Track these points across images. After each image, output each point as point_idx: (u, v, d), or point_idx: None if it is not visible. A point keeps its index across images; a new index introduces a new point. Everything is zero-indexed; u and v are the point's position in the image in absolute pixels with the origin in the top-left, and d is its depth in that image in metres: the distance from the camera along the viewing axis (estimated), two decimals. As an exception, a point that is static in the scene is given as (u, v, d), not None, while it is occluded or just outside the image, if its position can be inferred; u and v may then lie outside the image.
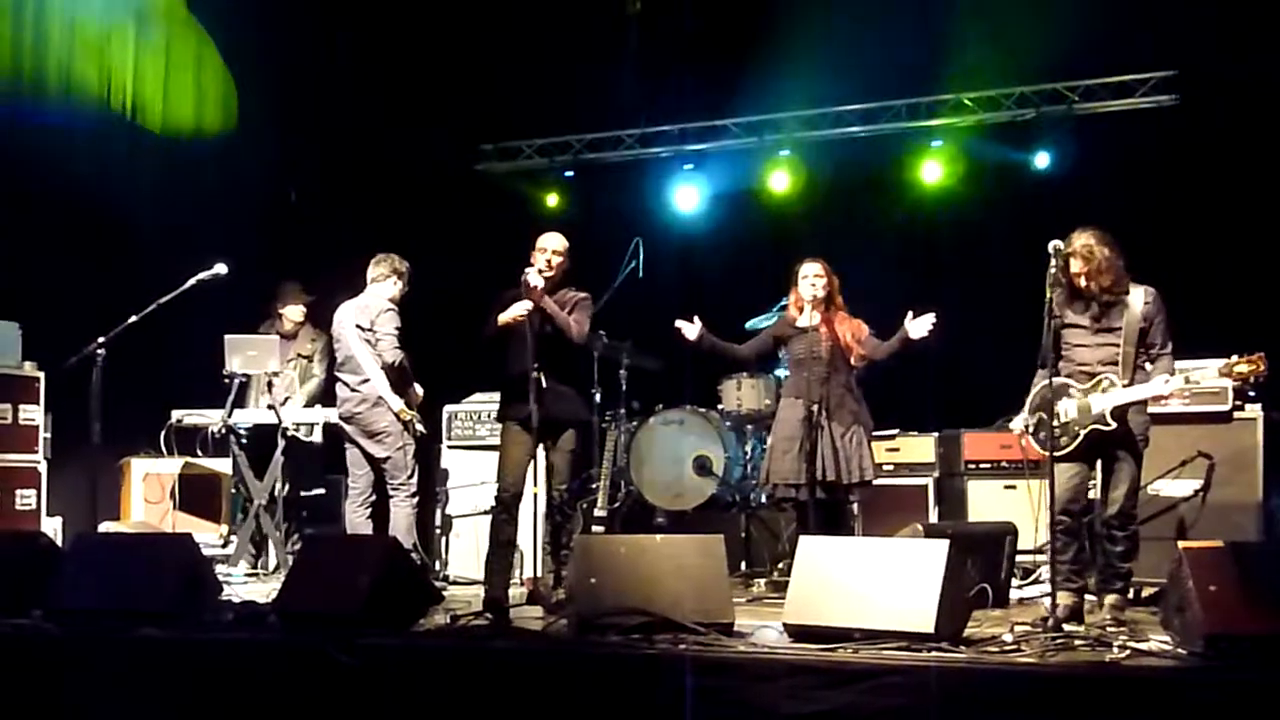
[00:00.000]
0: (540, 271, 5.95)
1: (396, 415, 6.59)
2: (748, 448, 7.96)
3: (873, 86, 9.66)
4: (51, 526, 7.38)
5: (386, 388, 6.60)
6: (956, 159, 9.60)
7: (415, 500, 6.66)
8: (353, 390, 6.68)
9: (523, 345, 5.85)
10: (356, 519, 6.69)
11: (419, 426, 6.72)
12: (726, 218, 10.18)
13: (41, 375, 7.42)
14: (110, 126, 8.81)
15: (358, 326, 6.70)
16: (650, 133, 10.44)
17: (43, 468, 7.40)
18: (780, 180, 9.96)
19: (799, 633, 4.56)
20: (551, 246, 6.06)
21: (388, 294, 6.81)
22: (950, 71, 9.42)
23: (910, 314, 6.14)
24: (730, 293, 8.83)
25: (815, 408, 6.26)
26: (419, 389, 6.87)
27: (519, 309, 5.87)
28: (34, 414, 7.40)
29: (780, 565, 6.96)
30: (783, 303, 6.80)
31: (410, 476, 6.63)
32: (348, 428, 6.73)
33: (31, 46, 8.31)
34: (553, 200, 10.75)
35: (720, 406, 8.08)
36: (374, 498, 6.73)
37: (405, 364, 6.66)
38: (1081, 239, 5.32)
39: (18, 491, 7.25)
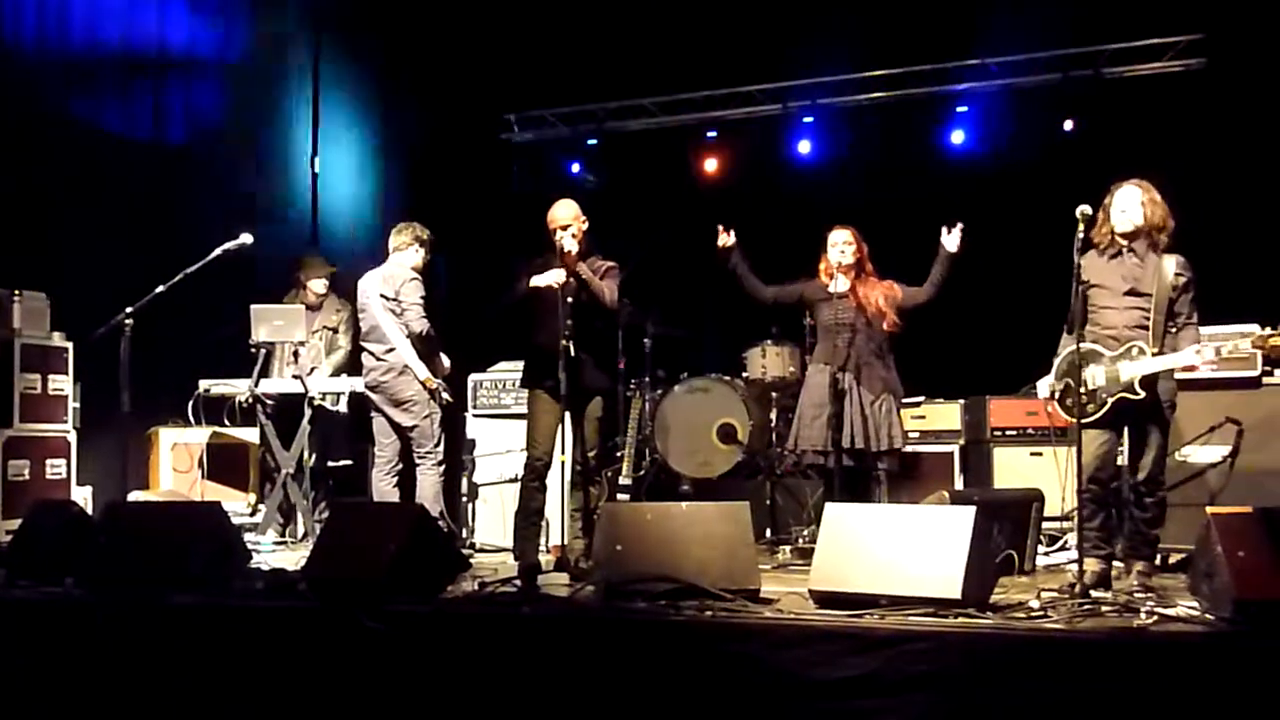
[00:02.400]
0: (574, 237, 5.94)
1: (423, 384, 6.62)
2: (772, 415, 7.95)
3: (898, 51, 9.58)
4: (81, 496, 7.43)
5: (412, 356, 6.63)
6: (983, 124, 9.52)
7: (442, 468, 6.70)
8: (379, 359, 6.71)
9: (550, 313, 5.83)
10: (384, 487, 6.74)
11: (445, 395, 6.75)
12: (751, 185, 10.13)
13: (70, 345, 7.45)
14: (135, 98, 8.81)
15: (382, 296, 6.71)
16: (674, 100, 10.39)
17: (72, 437, 7.44)
18: (805, 146, 9.91)
19: (825, 599, 4.55)
20: (567, 218, 6.02)
21: (411, 262, 6.82)
22: (976, 36, 9.32)
23: (944, 229, 6.17)
24: (755, 260, 8.77)
25: (843, 374, 6.28)
26: (445, 358, 6.89)
27: (554, 276, 5.85)
28: (63, 384, 7.43)
29: (805, 532, 6.96)
30: (812, 269, 6.79)
31: (437, 445, 6.67)
32: (374, 397, 6.76)
33: (57, 13, 8.31)
34: (577, 168, 10.72)
35: (745, 374, 8.07)
36: (401, 466, 6.77)
37: (432, 333, 6.68)
38: (1131, 180, 5.30)
39: (48, 461, 7.30)
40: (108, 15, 8.55)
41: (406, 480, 6.77)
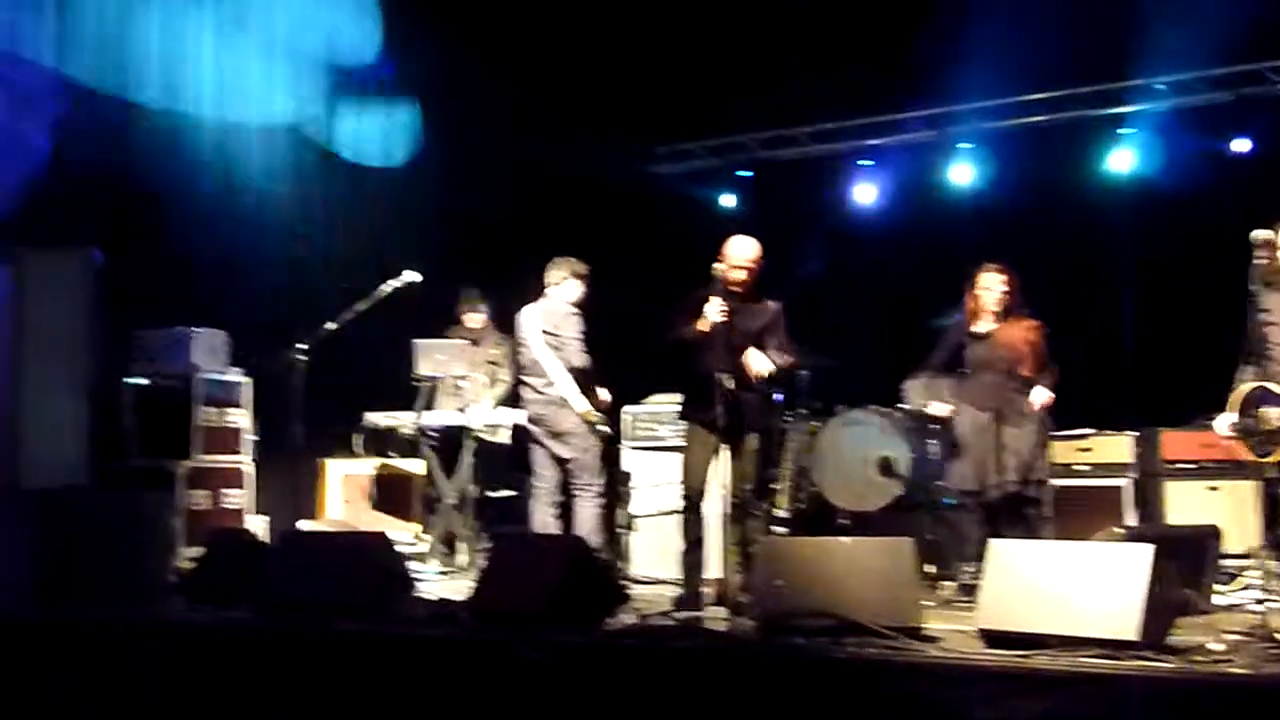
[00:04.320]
0: (737, 281, 5.95)
1: (581, 417, 6.69)
2: (931, 448, 7.82)
3: (1058, 73, 9.34)
4: (257, 524, 7.72)
5: (571, 390, 6.70)
6: (1149, 147, 9.21)
7: (601, 500, 6.76)
8: (538, 393, 6.81)
9: (711, 347, 5.84)
10: (543, 518, 6.82)
11: (603, 428, 6.81)
12: (907, 213, 9.97)
13: (247, 381, 7.76)
14: (305, 148, 9.17)
15: (543, 331, 6.81)
16: (825, 129, 10.31)
17: (248, 468, 7.74)
18: (962, 174, 9.73)
19: (993, 638, 4.45)
20: (744, 259, 6.03)
21: (569, 297, 6.91)
22: (1140, 54, 9.03)
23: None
24: (912, 289, 8.69)
25: (987, 414, 6.25)
26: (604, 391, 6.95)
27: (713, 309, 5.83)
28: (240, 417, 7.75)
29: (968, 568, 6.80)
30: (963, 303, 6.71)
31: (596, 477, 6.73)
32: (534, 429, 6.86)
33: (233, 76, 8.71)
34: (728, 201, 10.72)
35: (904, 406, 7.95)
36: (560, 498, 6.84)
37: (591, 367, 6.76)
38: None
39: (226, 491, 7.62)
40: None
41: (566, 511, 6.84)
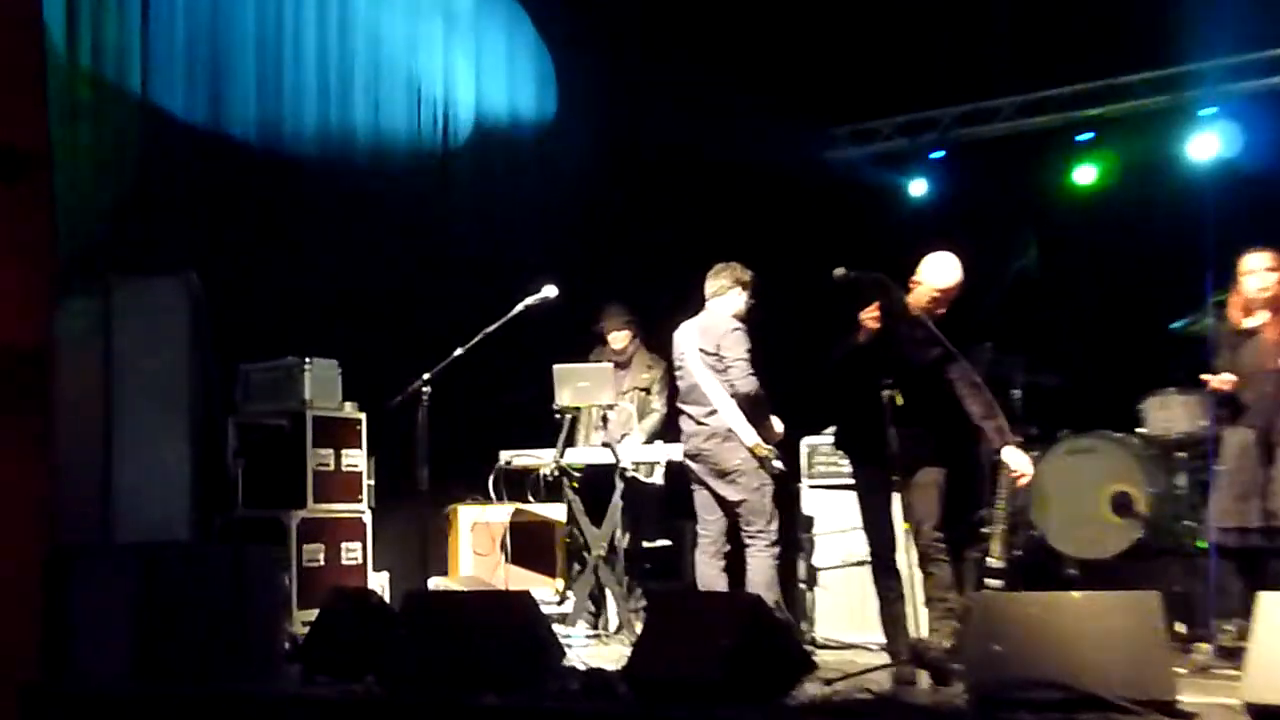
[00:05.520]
0: (926, 308, 5.95)
1: (751, 451, 6.68)
2: (1179, 480, 7.62)
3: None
4: (379, 582, 7.86)
5: (739, 419, 6.69)
6: None
7: (776, 550, 6.73)
8: (699, 424, 6.83)
9: (873, 364, 5.80)
10: (708, 571, 6.84)
11: (776, 464, 6.78)
12: (1137, 196, 9.78)
13: (363, 417, 7.92)
14: (423, 151, 9.41)
15: (701, 351, 6.83)
16: (1035, 99, 10.20)
17: (368, 518, 7.87)
18: (1204, 145, 9.47)
19: (1264, 714, 4.37)
20: (944, 284, 5.98)
21: (732, 309, 6.92)
22: None
23: None
24: (1146, 288, 8.50)
25: (1264, 433, 6.07)
26: (777, 422, 6.93)
27: (869, 317, 5.82)
28: (357, 459, 7.88)
29: (1229, 627, 6.59)
30: (1215, 299, 6.50)
31: (769, 522, 6.71)
32: (695, 467, 6.89)
33: (338, 63, 8.98)
34: (919, 187, 10.63)
35: (1142, 430, 7.80)
36: (727, 547, 6.85)
37: (761, 393, 6.74)
38: None
39: (343, 544, 7.73)
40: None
41: (734, 563, 6.85)
